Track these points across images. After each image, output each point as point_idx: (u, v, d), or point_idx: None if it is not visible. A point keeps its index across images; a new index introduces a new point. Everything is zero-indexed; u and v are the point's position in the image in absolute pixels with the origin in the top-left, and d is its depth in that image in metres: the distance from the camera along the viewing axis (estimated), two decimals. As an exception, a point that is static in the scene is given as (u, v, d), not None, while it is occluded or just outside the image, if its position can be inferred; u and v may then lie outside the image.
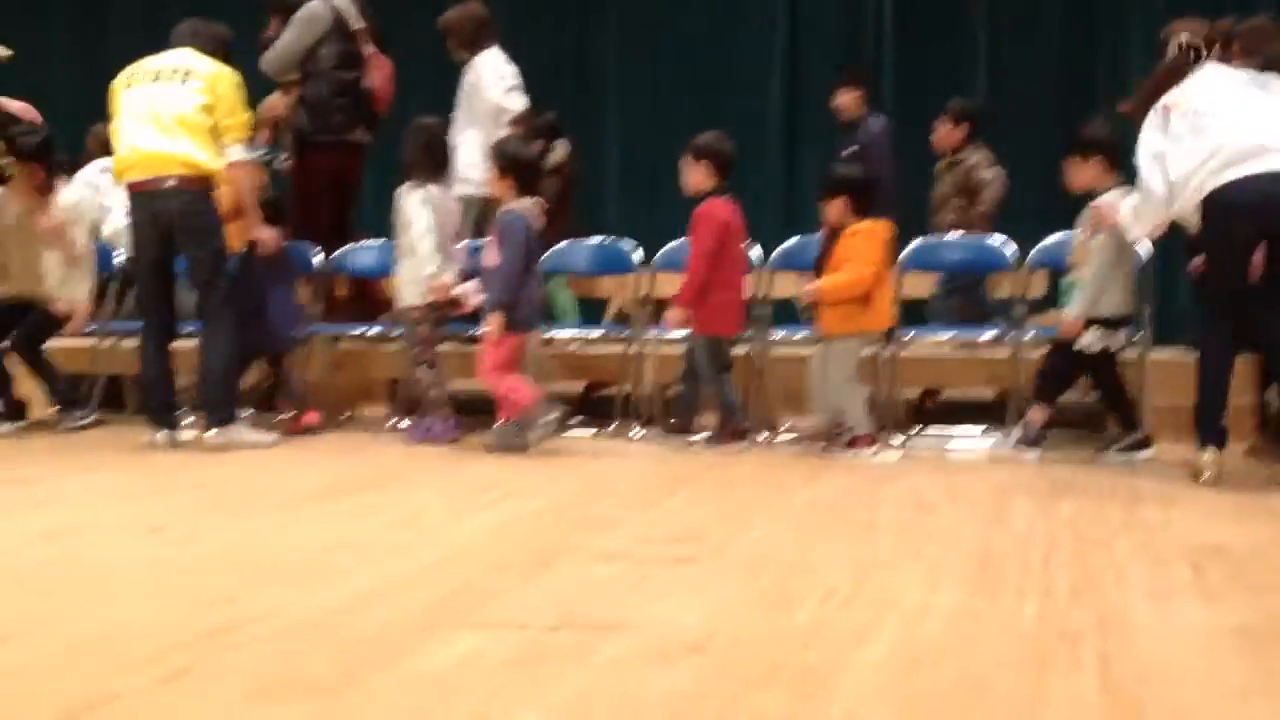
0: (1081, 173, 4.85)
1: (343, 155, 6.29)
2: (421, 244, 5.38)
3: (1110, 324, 4.80)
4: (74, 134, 7.09)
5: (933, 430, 5.53)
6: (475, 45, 6.34)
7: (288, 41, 6.21)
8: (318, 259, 6.15)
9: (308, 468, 4.75)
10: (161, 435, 5.22)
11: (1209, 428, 4.19)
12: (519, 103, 6.23)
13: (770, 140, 8.95)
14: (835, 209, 5.05)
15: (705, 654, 2.25)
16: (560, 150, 6.20)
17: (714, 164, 5.21)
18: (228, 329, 5.19)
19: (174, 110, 5.07)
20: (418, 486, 4.31)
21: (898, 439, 5.32)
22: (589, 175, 9.06)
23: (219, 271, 5.19)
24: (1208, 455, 4.17)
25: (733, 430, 5.21)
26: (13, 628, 2.46)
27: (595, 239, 6.24)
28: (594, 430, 5.68)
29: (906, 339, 5.55)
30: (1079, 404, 5.34)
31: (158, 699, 2.03)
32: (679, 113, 8.28)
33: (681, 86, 9.09)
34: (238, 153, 5.17)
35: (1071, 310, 4.82)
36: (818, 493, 4.16)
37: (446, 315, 5.49)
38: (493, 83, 6.25)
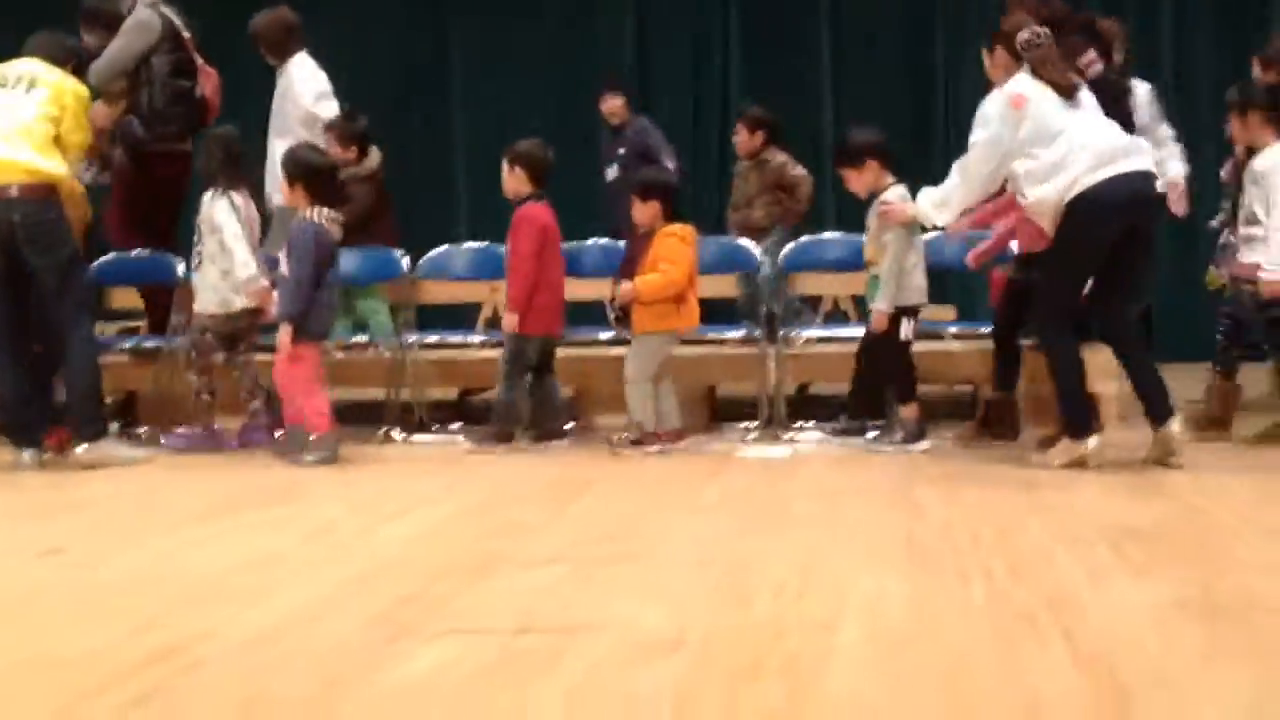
0: (860, 179, 5.07)
1: (178, 164, 6.14)
2: (237, 247, 5.38)
3: (913, 312, 5.01)
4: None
5: (805, 426, 5.61)
6: (285, 51, 6.24)
7: (118, 49, 5.98)
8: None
9: (191, 484, 4.57)
10: (27, 454, 4.95)
11: (1082, 420, 4.37)
12: (330, 109, 6.14)
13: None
14: (648, 212, 5.18)
15: (684, 651, 2.25)
16: (374, 157, 6.10)
17: (530, 170, 5.34)
18: (88, 340, 4.98)
19: (16, 119, 4.85)
20: (315, 499, 4.19)
21: (781, 434, 5.40)
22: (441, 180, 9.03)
23: (72, 280, 4.96)
24: (1092, 443, 4.34)
25: (500, 433, 5.26)
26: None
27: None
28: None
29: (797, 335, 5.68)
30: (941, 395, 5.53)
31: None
32: (529, 120, 8.21)
33: (532, 97, 9.11)
34: (75, 171, 5.03)
35: (879, 304, 4.97)
36: (725, 488, 4.19)
37: (254, 323, 5.48)
38: (304, 90, 6.15)
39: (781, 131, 6.75)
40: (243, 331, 5.47)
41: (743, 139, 6.72)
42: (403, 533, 3.51)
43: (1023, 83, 4.42)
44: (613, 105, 7.62)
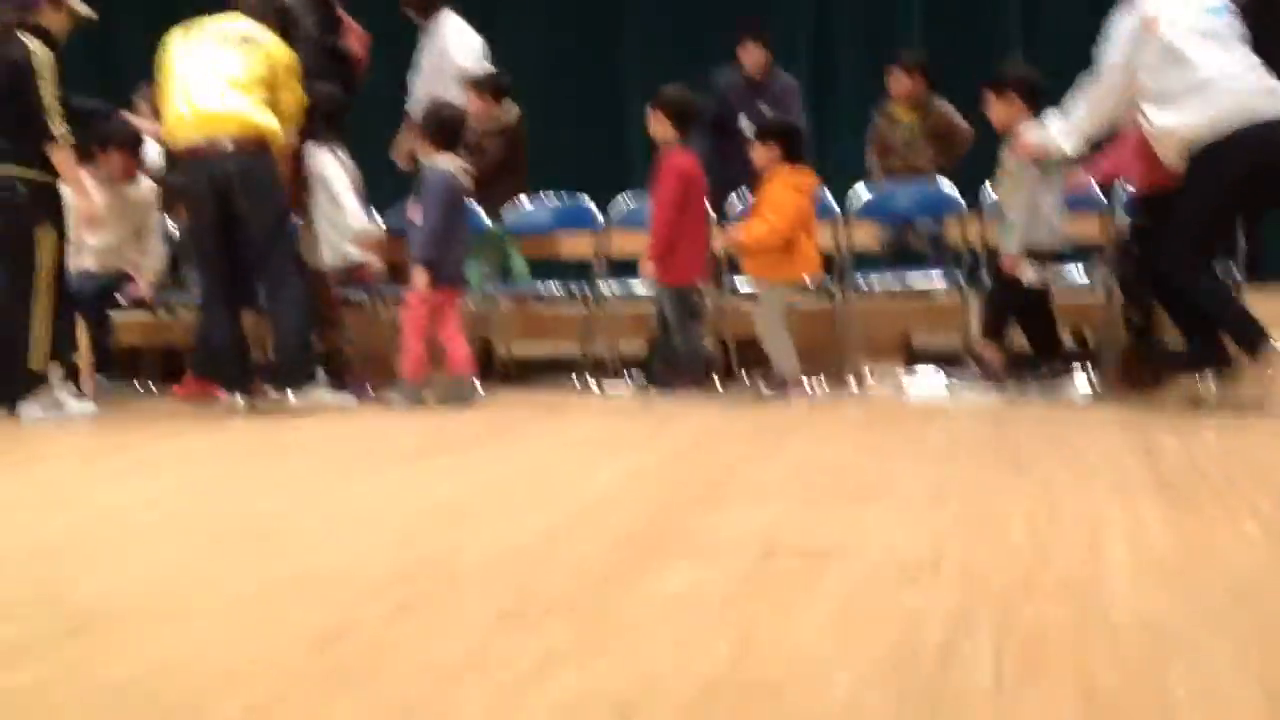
0: (998, 109, 4.89)
1: None
2: (346, 199, 5.47)
3: (1042, 257, 4.81)
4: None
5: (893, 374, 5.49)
6: (431, 7, 6.30)
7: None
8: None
9: (398, 429, 4.66)
10: (240, 400, 5.12)
11: (1259, 333, 4.13)
12: (481, 66, 6.18)
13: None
14: (765, 155, 5.11)
15: (947, 572, 2.18)
16: (511, 112, 6.12)
17: (675, 116, 5.26)
18: (298, 289, 5.11)
19: (230, 74, 4.97)
20: (528, 439, 4.22)
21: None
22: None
23: (282, 233, 5.10)
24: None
25: (694, 378, 5.24)
26: (218, 572, 2.38)
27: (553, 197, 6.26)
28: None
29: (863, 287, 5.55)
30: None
31: (405, 625, 1.95)
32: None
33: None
34: (288, 132, 5.14)
35: (1008, 247, 4.82)
36: (942, 431, 4.08)
37: (358, 275, 5.61)
38: (458, 46, 6.21)
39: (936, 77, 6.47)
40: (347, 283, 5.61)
41: (901, 82, 6.45)
42: (624, 467, 3.51)
43: (1157, 2, 4.23)
44: (755, 57, 6.92)
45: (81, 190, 5.08)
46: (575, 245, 6.25)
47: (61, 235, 5.07)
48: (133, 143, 5.99)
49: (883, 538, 2.47)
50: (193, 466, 3.83)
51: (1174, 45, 4.18)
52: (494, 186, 5.93)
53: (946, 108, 6.40)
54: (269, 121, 5.02)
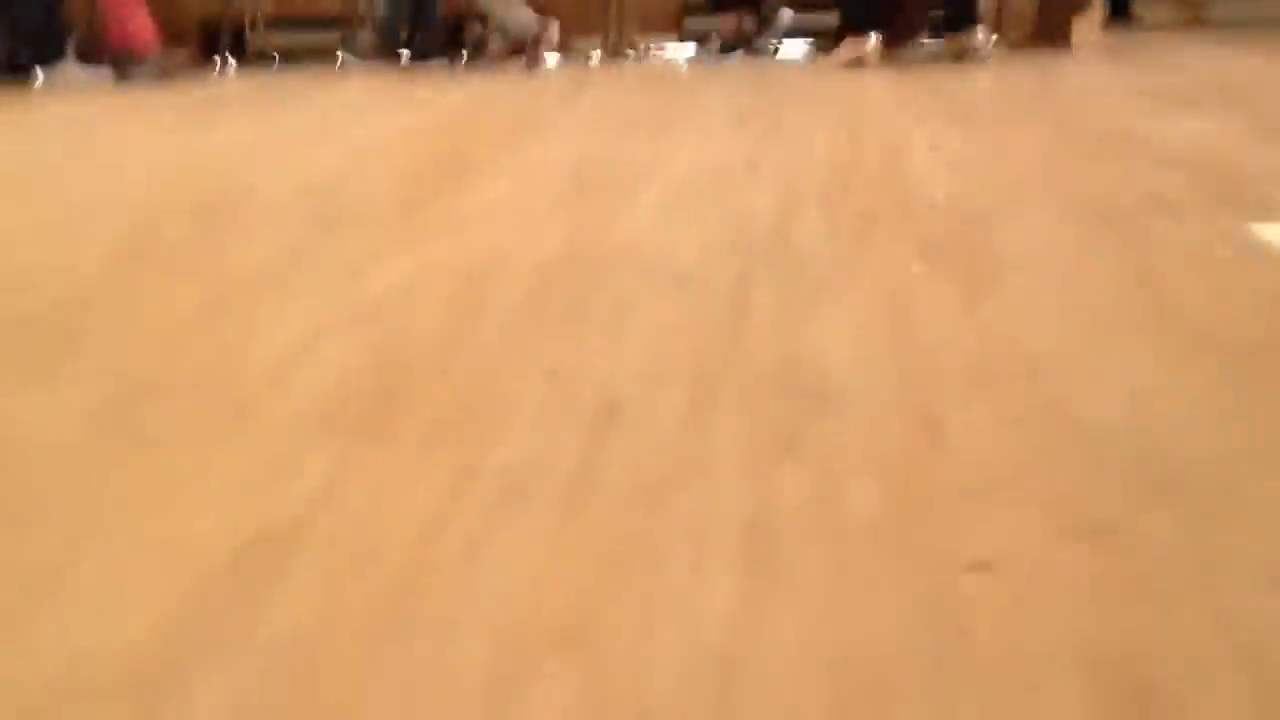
0: None
1: None
2: None
3: None
4: None
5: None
6: None
7: None
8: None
9: (155, 99, 4.34)
10: None
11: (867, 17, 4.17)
12: None
13: None
14: None
15: (764, 172, 2.20)
16: None
17: None
18: None
19: None
20: (299, 101, 3.98)
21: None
22: None
23: None
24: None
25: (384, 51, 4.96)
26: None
27: None
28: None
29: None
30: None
31: (209, 239, 1.85)
32: None
33: None
34: None
35: None
36: (682, 86, 4.07)
37: None
38: None
39: None
40: None
41: None
42: (410, 118, 3.37)
43: None
44: None
45: None
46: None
47: None
48: None
49: (695, 153, 2.47)
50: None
51: None
52: None
53: None
54: None
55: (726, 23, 4.95)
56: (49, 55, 4.58)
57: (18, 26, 4.60)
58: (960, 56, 4.30)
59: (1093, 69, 3.84)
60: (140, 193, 2.27)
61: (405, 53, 4.93)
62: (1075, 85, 3.47)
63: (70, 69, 4.67)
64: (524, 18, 4.82)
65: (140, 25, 4.71)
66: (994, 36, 4.48)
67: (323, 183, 2.30)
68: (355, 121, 3.42)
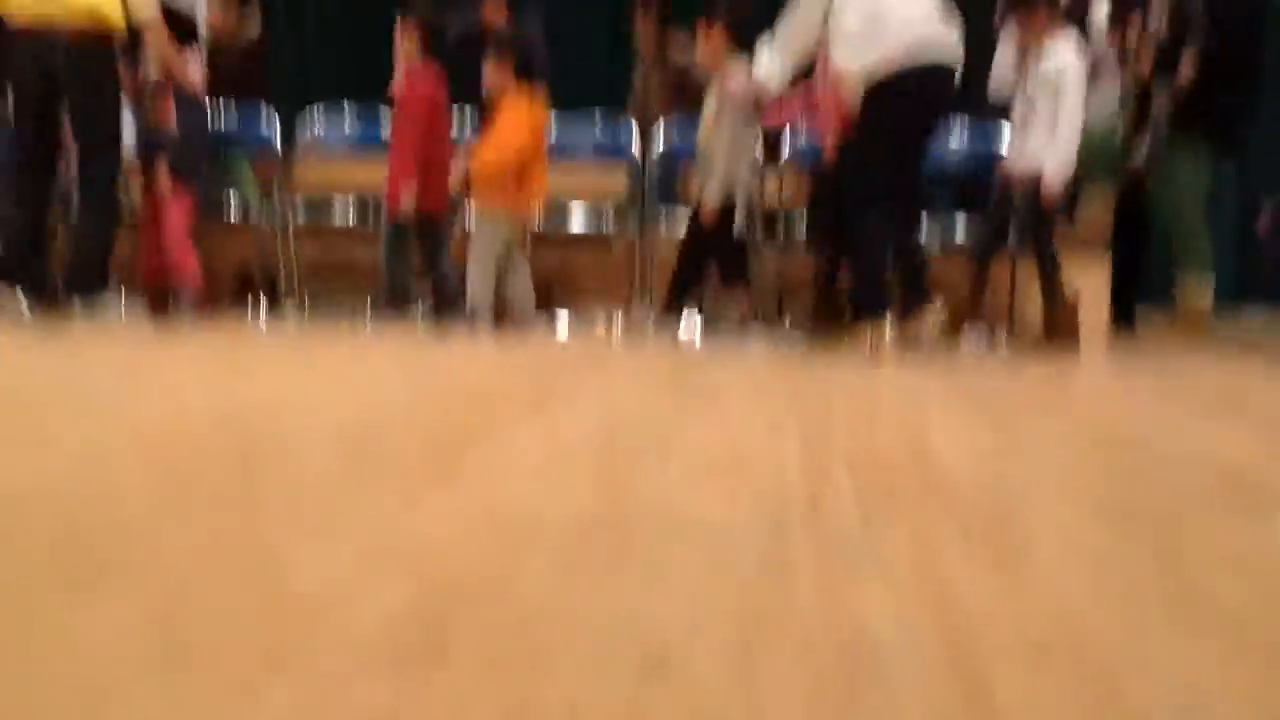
0: (706, 45, 4.64)
1: None
2: None
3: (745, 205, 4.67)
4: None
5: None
6: None
7: None
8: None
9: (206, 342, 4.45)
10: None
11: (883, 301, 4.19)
12: None
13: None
14: (493, 73, 4.72)
15: (787, 440, 2.24)
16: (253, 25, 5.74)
17: (425, 36, 4.92)
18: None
19: None
20: (318, 354, 4.09)
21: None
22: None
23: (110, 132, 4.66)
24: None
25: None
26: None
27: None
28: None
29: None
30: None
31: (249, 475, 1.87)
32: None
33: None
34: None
35: (710, 195, 4.59)
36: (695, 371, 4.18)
37: None
38: None
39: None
40: None
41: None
42: (417, 383, 3.45)
43: None
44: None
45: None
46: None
47: None
48: None
49: (720, 423, 2.53)
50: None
51: None
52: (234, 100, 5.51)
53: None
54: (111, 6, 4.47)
55: (741, 301, 5.00)
56: (92, 287, 4.67)
57: (65, 258, 4.72)
58: (913, 341, 4.23)
59: (1103, 372, 3.95)
60: (182, 427, 2.31)
61: (419, 306, 5.00)
62: (1088, 386, 3.56)
63: (111, 302, 4.76)
64: (520, 288, 4.82)
65: (184, 260, 4.84)
66: (1005, 337, 4.63)
67: (358, 429, 2.34)
68: (384, 372, 3.50)
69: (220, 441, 2.12)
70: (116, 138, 4.67)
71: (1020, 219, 4.58)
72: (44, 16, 4.35)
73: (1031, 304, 4.73)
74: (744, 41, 4.50)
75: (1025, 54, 4.61)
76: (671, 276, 4.79)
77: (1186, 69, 4.58)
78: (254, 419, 2.41)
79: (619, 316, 5.17)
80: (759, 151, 4.86)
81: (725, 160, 4.57)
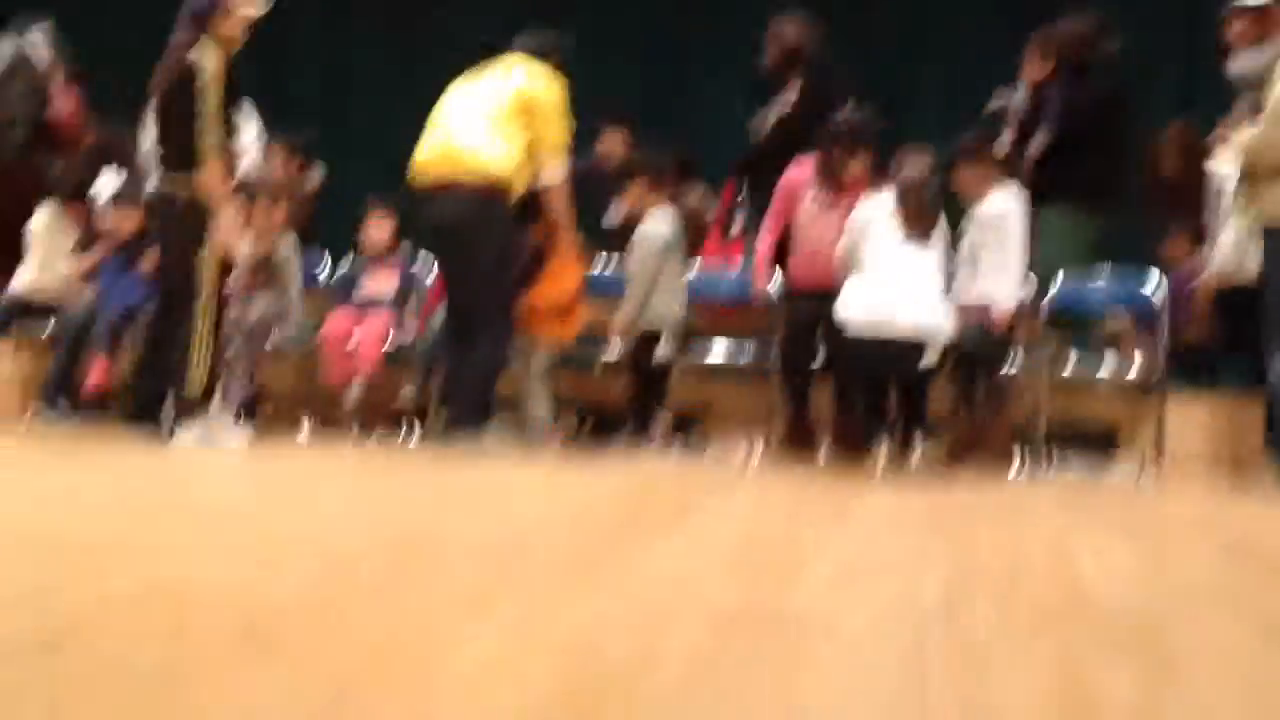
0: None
1: None
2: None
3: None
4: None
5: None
6: None
7: None
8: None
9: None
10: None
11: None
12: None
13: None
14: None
15: (932, 561, 2.24)
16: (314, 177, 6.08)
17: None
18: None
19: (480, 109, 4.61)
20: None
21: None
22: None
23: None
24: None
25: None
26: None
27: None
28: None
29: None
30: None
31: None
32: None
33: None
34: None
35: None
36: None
37: None
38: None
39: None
40: None
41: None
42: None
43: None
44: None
45: (224, 206, 4.53)
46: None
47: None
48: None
49: (860, 537, 2.53)
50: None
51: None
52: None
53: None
54: (505, 165, 4.59)
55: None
56: (482, 421, 4.63)
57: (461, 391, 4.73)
58: (905, 467, 4.31)
59: (1253, 496, 3.84)
60: (329, 530, 2.42)
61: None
62: (1249, 511, 3.47)
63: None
64: (540, 409, 4.87)
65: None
66: (1154, 468, 4.51)
67: (502, 534, 2.42)
68: (524, 489, 3.59)
69: (371, 540, 2.21)
70: (509, 285, 4.82)
71: (974, 348, 4.62)
72: (446, 177, 4.56)
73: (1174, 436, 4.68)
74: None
75: (968, 201, 4.81)
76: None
77: (1035, 146, 5.00)
78: (402, 521, 2.50)
79: (756, 445, 5.21)
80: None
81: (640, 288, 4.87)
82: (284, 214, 5.38)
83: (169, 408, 4.44)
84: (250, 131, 5.74)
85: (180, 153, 4.42)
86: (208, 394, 4.55)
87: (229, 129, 4.52)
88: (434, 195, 4.57)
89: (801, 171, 4.79)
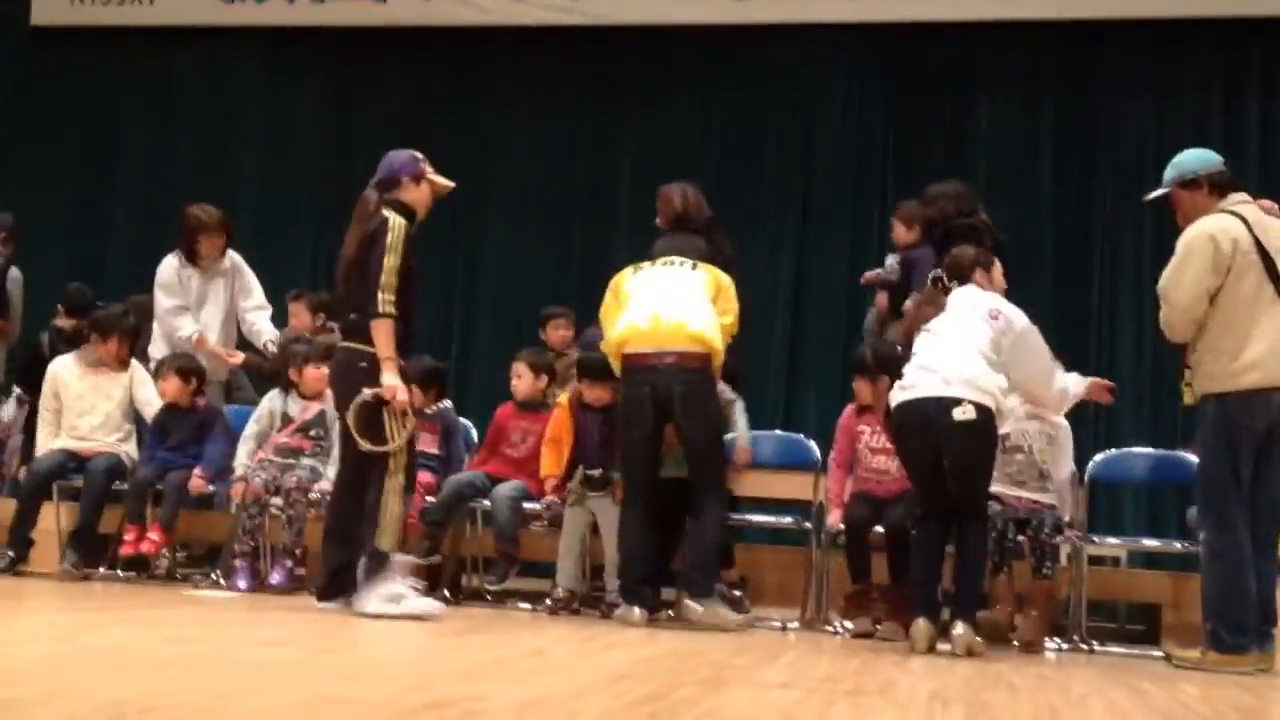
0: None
1: None
2: None
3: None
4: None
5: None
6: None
7: None
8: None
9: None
10: (636, 613, 4.73)
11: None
12: None
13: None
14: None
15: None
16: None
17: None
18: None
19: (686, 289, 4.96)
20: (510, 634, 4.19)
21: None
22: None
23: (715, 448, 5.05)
24: (922, 624, 4.22)
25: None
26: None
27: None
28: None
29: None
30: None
31: None
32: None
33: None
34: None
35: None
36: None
37: None
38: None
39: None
40: None
41: None
42: (613, 660, 3.48)
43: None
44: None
45: (391, 369, 4.47)
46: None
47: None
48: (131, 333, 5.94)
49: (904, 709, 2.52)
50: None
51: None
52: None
53: None
54: (714, 338, 4.88)
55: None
56: (711, 583, 4.82)
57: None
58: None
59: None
60: (379, 691, 2.46)
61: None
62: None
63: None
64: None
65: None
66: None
67: (553, 703, 2.44)
68: (560, 648, 3.60)
69: (416, 700, 2.24)
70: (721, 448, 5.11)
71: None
72: (658, 345, 4.81)
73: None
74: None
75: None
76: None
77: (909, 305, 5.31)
78: (446, 685, 2.53)
79: (801, 613, 5.17)
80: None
81: None
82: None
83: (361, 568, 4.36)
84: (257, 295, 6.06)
85: (361, 310, 4.46)
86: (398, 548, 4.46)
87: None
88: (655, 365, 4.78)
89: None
